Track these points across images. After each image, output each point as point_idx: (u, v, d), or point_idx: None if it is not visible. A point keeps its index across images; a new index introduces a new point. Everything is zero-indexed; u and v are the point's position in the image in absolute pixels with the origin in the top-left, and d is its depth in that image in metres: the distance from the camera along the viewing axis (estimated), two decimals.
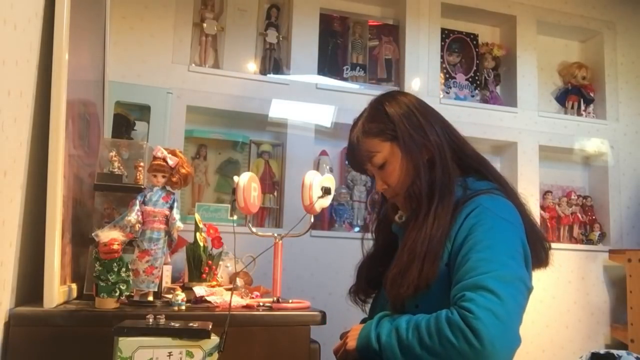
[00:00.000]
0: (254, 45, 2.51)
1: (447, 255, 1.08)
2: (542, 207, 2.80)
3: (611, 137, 2.88)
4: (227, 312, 1.05)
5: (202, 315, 1.12)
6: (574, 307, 2.69)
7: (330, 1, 2.64)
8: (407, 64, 2.61)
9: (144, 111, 2.18)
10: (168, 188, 1.22)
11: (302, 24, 2.50)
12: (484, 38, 2.90)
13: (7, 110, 0.93)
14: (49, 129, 1.07)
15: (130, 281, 1.12)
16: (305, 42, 2.49)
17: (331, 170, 2.48)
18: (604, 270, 2.76)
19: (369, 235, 1.38)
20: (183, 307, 1.14)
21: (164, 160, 1.20)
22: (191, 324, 0.91)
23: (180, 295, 1.15)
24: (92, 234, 1.13)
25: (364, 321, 1.31)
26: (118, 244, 1.09)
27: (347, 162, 2.39)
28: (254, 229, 1.36)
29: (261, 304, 1.25)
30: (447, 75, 2.78)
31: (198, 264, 1.43)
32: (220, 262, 1.57)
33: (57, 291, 1.05)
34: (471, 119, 2.63)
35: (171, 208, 1.20)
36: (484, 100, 2.79)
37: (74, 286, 1.22)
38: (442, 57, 2.74)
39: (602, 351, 1.75)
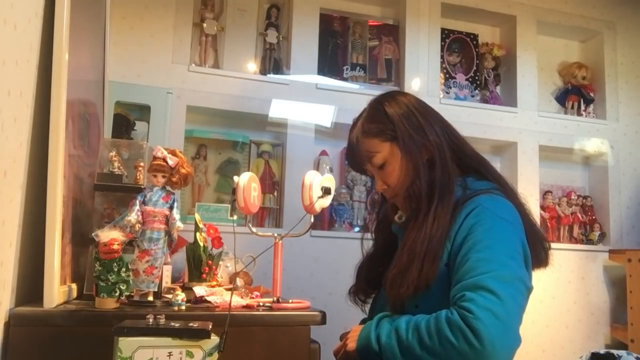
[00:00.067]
0: (254, 45, 2.51)
1: (446, 255, 1.08)
2: (542, 207, 2.80)
3: (611, 137, 2.88)
4: (227, 312, 1.05)
5: (202, 315, 1.12)
6: (574, 307, 2.69)
7: (330, 1, 2.64)
8: (407, 64, 2.61)
9: (144, 111, 2.18)
10: (168, 188, 1.22)
11: (302, 24, 2.50)
12: (484, 38, 2.90)
13: (7, 110, 0.93)
14: (49, 129, 1.07)
15: (130, 281, 1.12)
16: (305, 42, 2.49)
17: (331, 170, 2.48)
18: (604, 270, 2.76)
19: (368, 235, 1.38)
20: (183, 307, 1.14)
21: (164, 160, 1.20)
22: (191, 324, 0.91)
23: (180, 295, 1.15)
24: (92, 234, 1.13)
25: (363, 321, 1.31)
26: (118, 244, 1.09)
27: (346, 163, 2.39)
28: (254, 229, 1.36)
29: (261, 304, 1.25)
30: (447, 75, 2.78)
31: (198, 264, 1.43)
32: (220, 262, 1.57)
33: (57, 291, 1.05)
34: (471, 119, 2.63)
35: (171, 208, 1.20)
36: (484, 100, 2.79)
37: (74, 286, 1.22)
38: (442, 57, 2.74)
39: (602, 351, 1.75)
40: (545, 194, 2.82)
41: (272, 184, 2.43)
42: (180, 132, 2.25)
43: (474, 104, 2.72)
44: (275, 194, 2.43)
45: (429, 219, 1.10)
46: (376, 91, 1.32)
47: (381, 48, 2.67)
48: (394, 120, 1.17)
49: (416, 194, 1.14)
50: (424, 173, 1.14)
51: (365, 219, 2.51)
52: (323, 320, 1.22)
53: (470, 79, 2.80)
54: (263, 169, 2.42)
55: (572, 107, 2.92)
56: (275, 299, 1.27)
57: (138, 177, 1.34)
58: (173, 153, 1.23)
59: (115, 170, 1.32)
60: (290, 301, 1.27)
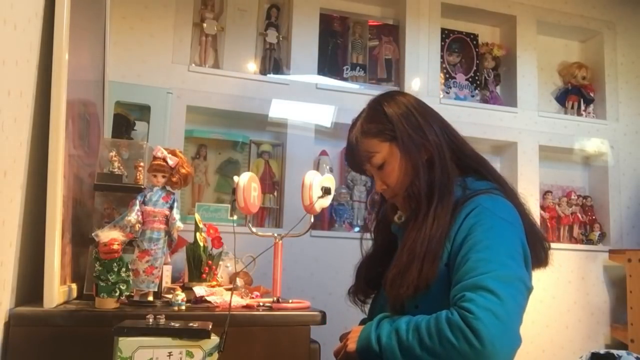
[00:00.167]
0: (254, 45, 2.51)
1: (446, 255, 1.08)
2: (542, 207, 2.80)
3: (611, 137, 2.88)
4: (227, 312, 1.05)
5: (202, 315, 1.12)
6: (574, 307, 2.69)
7: (330, 1, 2.64)
8: (407, 64, 2.61)
9: (144, 111, 2.18)
10: (168, 188, 1.22)
11: (302, 24, 2.50)
12: (484, 38, 2.90)
13: (7, 110, 0.93)
14: (49, 129, 1.07)
15: (130, 281, 1.12)
16: (305, 42, 2.49)
17: (331, 170, 2.48)
18: (604, 270, 2.76)
19: (367, 235, 1.38)
20: (183, 307, 1.14)
21: (164, 160, 1.20)
22: (191, 324, 0.91)
23: (180, 295, 1.15)
24: (92, 234, 1.13)
25: (363, 321, 1.31)
26: (118, 244, 1.09)
27: (346, 163, 2.40)
28: (254, 229, 1.36)
29: (261, 304, 1.25)
30: (447, 75, 2.78)
31: (198, 264, 1.43)
32: (220, 262, 1.57)
33: (57, 291, 1.05)
34: (471, 119, 2.63)
35: (171, 208, 1.20)
36: (484, 100, 2.79)
37: (74, 286, 1.22)
38: (442, 57, 2.74)
39: (602, 351, 1.75)
40: (545, 194, 2.82)
41: (272, 184, 2.43)
42: (180, 132, 2.25)
43: (474, 104, 2.72)
44: (275, 194, 2.43)
45: (429, 219, 1.10)
46: (376, 91, 1.32)
47: (381, 48, 2.67)
48: (393, 120, 1.17)
49: (415, 194, 1.14)
50: (423, 173, 1.14)
51: (365, 219, 2.51)
52: (323, 320, 1.22)
53: (470, 79, 2.80)
54: (263, 169, 2.42)
55: (572, 107, 2.92)
56: (275, 299, 1.27)
57: (138, 177, 1.34)
58: (173, 153, 1.23)
59: (115, 170, 1.32)
60: (290, 301, 1.27)
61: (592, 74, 2.97)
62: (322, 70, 2.53)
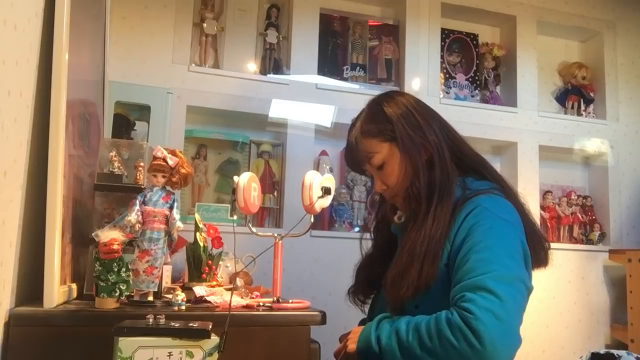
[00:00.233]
0: (254, 45, 2.51)
1: (446, 255, 1.08)
2: (542, 207, 2.80)
3: (611, 137, 2.88)
4: (227, 312, 1.05)
5: (202, 315, 1.12)
6: (574, 307, 2.69)
7: (330, 1, 2.64)
8: (407, 64, 2.61)
9: (144, 111, 2.18)
10: (168, 188, 1.22)
11: (302, 24, 2.50)
12: (484, 38, 2.90)
13: (7, 110, 0.93)
14: (49, 129, 1.07)
15: (130, 281, 1.12)
16: (305, 42, 2.49)
17: (331, 170, 2.48)
18: (604, 270, 2.76)
19: (367, 235, 1.38)
20: (183, 307, 1.14)
21: (164, 160, 1.20)
22: (191, 324, 0.91)
23: (180, 295, 1.15)
24: (92, 234, 1.13)
25: (363, 321, 1.31)
26: (118, 244, 1.09)
27: (345, 163, 2.39)
28: (254, 229, 1.36)
29: (261, 304, 1.25)
30: (447, 75, 2.78)
31: (198, 264, 1.43)
32: (220, 262, 1.57)
33: (57, 291, 1.05)
34: (471, 119, 2.63)
35: (171, 208, 1.20)
36: (484, 100, 2.79)
37: (74, 286, 1.22)
38: (442, 57, 2.74)
39: (602, 351, 1.75)
40: (545, 194, 2.82)
41: (272, 184, 2.43)
42: (180, 132, 2.25)
43: (474, 104, 2.72)
44: (275, 194, 2.43)
45: (429, 220, 1.10)
46: (376, 91, 1.32)
47: (381, 48, 2.67)
48: (392, 120, 1.17)
49: (415, 195, 1.14)
50: (423, 173, 1.14)
51: (365, 219, 2.51)
52: (323, 320, 1.22)
53: (470, 79, 2.80)
54: (263, 169, 2.42)
55: (572, 107, 2.92)
56: (275, 299, 1.27)
57: (138, 177, 1.34)
58: (173, 153, 1.23)
59: (115, 170, 1.32)
60: (290, 301, 1.27)
61: (592, 74, 2.97)
62: (322, 70, 2.53)
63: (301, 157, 2.39)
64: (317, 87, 2.46)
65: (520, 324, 0.98)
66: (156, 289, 1.20)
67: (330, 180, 1.35)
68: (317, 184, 1.32)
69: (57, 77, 1.08)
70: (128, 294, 1.13)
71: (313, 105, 2.44)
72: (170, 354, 0.87)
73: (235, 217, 1.44)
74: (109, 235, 1.09)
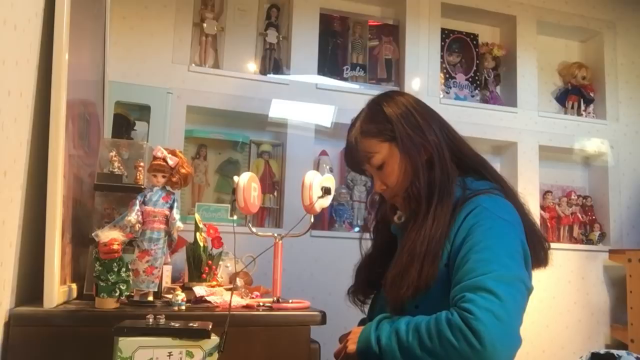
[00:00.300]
0: (254, 45, 2.51)
1: (446, 255, 1.08)
2: (542, 207, 2.80)
3: (611, 137, 2.88)
4: (227, 312, 1.05)
5: (202, 315, 1.12)
6: (574, 307, 2.69)
7: (330, 1, 2.64)
8: (407, 64, 2.61)
9: (144, 111, 2.18)
10: (168, 188, 1.22)
11: (302, 24, 2.50)
12: (484, 38, 2.90)
13: (7, 110, 0.93)
14: (49, 129, 1.07)
15: (130, 281, 1.12)
16: (305, 42, 2.49)
17: (331, 170, 2.48)
18: (604, 270, 2.76)
19: (367, 235, 1.38)
20: (183, 307, 1.14)
21: (164, 160, 1.20)
22: (191, 324, 0.91)
23: (180, 295, 1.15)
24: (92, 234, 1.13)
25: (362, 321, 1.31)
26: (118, 244, 1.09)
27: (345, 163, 2.40)
28: (254, 229, 1.36)
29: (261, 304, 1.25)
30: (447, 75, 2.78)
31: (198, 264, 1.43)
32: (220, 262, 1.57)
33: (57, 291, 1.05)
34: (471, 119, 2.63)
35: (171, 208, 1.20)
36: (484, 100, 2.79)
37: (74, 286, 1.22)
38: (442, 57, 2.74)
39: (602, 351, 1.75)
40: (545, 194, 2.82)
41: (272, 184, 2.43)
42: (180, 132, 2.25)
43: (474, 104, 2.72)
44: (275, 194, 2.43)
45: (429, 220, 1.10)
46: (376, 91, 1.32)
47: (381, 48, 2.67)
48: (392, 120, 1.17)
49: (415, 195, 1.14)
50: (423, 173, 1.14)
51: (365, 219, 2.51)
52: (323, 320, 1.22)
53: (470, 79, 2.80)
54: (263, 169, 2.42)
55: (572, 107, 2.92)
56: (275, 299, 1.27)
57: (138, 177, 1.34)
58: (173, 153, 1.23)
59: (115, 170, 1.32)
60: (290, 301, 1.27)
61: (592, 74, 2.97)
62: (322, 70, 2.53)
63: (301, 157, 2.39)
64: (317, 87, 2.46)
65: (521, 324, 0.98)
66: (156, 289, 1.20)
67: (330, 180, 1.35)
68: (317, 184, 1.32)
69: (57, 77, 1.08)
70: (128, 294, 1.13)
71: (313, 105, 2.44)
72: (170, 354, 0.87)
73: (235, 217, 1.45)
74: (109, 235, 1.09)
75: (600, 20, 2.96)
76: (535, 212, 2.36)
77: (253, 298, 1.36)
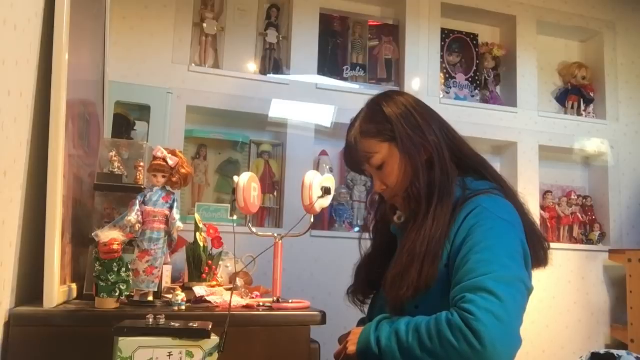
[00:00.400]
0: (254, 45, 2.51)
1: (446, 256, 1.08)
2: (542, 207, 2.80)
3: (611, 137, 2.88)
4: (227, 312, 1.05)
5: (202, 315, 1.12)
6: (574, 307, 2.69)
7: (330, 1, 2.64)
8: (407, 64, 2.61)
9: (144, 111, 2.18)
10: (168, 188, 1.22)
11: (302, 24, 2.50)
12: (484, 38, 2.90)
13: (7, 110, 0.93)
14: (49, 129, 1.07)
15: (130, 281, 1.12)
16: (305, 42, 2.49)
17: (331, 170, 2.48)
18: (604, 270, 2.76)
19: (366, 235, 1.38)
20: (183, 307, 1.14)
21: (164, 160, 1.20)
22: (191, 324, 0.91)
23: (180, 295, 1.15)
24: (92, 234, 1.13)
25: (362, 321, 1.31)
26: (118, 244, 1.09)
27: (344, 163, 2.40)
28: (254, 229, 1.36)
29: (261, 304, 1.25)
30: (447, 75, 2.78)
31: (198, 264, 1.43)
32: (220, 262, 1.57)
33: (57, 291, 1.05)
34: (471, 119, 2.63)
35: (171, 208, 1.20)
36: (484, 100, 2.79)
37: (74, 286, 1.22)
38: (442, 57, 2.74)
39: (602, 351, 1.75)
40: (545, 194, 2.82)
41: (272, 184, 2.43)
42: (180, 132, 2.25)
43: (474, 104, 2.72)
44: (275, 194, 2.43)
45: (429, 220, 1.10)
46: (376, 91, 1.32)
47: (381, 48, 2.67)
48: (392, 120, 1.17)
49: (415, 195, 1.14)
50: (423, 173, 1.14)
51: (365, 219, 2.51)
52: (323, 320, 1.22)
53: (470, 79, 2.80)
54: (263, 169, 2.42)
55: (572, 107, 2.92)
56: (275, 299, 1.27)
57: (138, 177, 1.34)
58: (173, 153, 1.23)
59: (115, 170, 1.32)
60: (290, 301, 1.27)
61: (592, 74, 2.97)
62: (322, 70, 2.53)
63: (301, 157, 2.39)
64: (317, 87, 2.46)
65: (521, 325, 0.98)
66: (156, 289, 1.20)
67: (330, 180, 1.35)
68: (317, 184, 1.32)
69: (57, 77, 1.08)
70: (128, 294, 1.13)
71: (313, 105, 2.44)
72: (170, 354, 0.87)
73: (235, 217, 1.44)
74: (109, 235, 1.09)
75: (600, 20, 2.96)
76: (535, 212, 2.36)
77: (253, 298, 1.36)
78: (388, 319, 1.09)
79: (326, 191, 1.33)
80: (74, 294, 1.22)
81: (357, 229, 2.50)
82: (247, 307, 1.25)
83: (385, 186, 1.20)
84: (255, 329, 1.16)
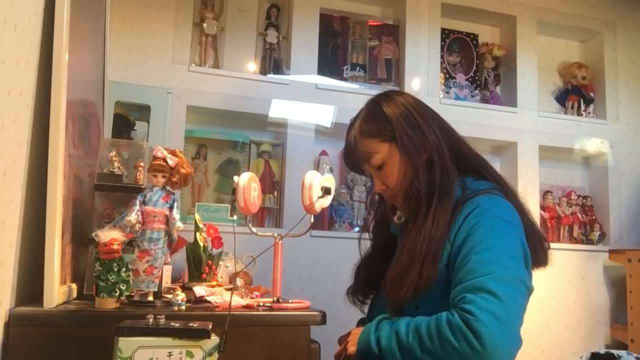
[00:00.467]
0: (254, 45, 2.51)
1: (446, 256, 1.08)
2: (542, 207, 2.80)
3: (611, 137, 2.88)
4: (227, 312, 1.05)
5: (202, 315, 1.12)
6: (574, 307, 2.69)
7: (330, 1, 2.64)
8: (407, 64, 2.61)
9: (144, 111, 2.18)
10: (168, 188, 1.22)
11: (302, 24, 2.50)
12: (484, 38, 2.90)
13: (7, 110, 0.93)
14: (49, 129, 1.07)
15: (130, 281, 1.12)
16: (305, 42, 2.49)
17: (331, 170, 2.48)
18: (604, 270, 2.76)
19: (366, 235, 1.38)
20: (183, 307, 1.14)
21: (164, 160, 1.20)
22: (191, 324, 0.91)
23: (180, 295, 1.15)
24: (92, 234, 1.13)
25: (361, 321, 1.31)
26: (118, 244, 1.09)
27: (344, 163, 2.39)
28: (254, 229, 1.36)
29: (261, 304, 1.25)
30: (447, 75, 2.78)
31: (198, 264, 1.43)
32: (220, 262, 1.57)
33: (57, 291, 1.05)
34: (471, 119, 2.63)
35: (171, 208, 1.20)
36: (484, 100, 2.79)
37: (74, 286, 1.22)
38: (442, 57, 2.74)
39: (602, 351, 1.75)
40: (545, 194, 2.82)
41: (272, 184, 2.43)
42: (180, 132, 2.25)
43: (474, 104, 2.72)
44: (275, 194, 2.43)
45: (429, 220, 1.10)
46: (376, 91, 1.32)
47: (381, 48, 2.67)
48: (392, 120, 1.17)
49: (415, 195, 1.14)
50: (423, 173, 1.14)
51: (365, 219, 2.51)
52: (323, 320, 1.22)
53: (470, 79, 2.80)
54: (263, 169, 2.42)
55: (572, 107, 2.92)
56: (275, 299, 1.27)
57: (138, 177, 1.34)
58: (173, 153, 1.23)
59: (115, 170, 1.32)
60: (290, 301, 1.27)
61: (592, 74, 2.97)
62: (322, 70, 2.53)
63: (301, 157, 2.39)
64: (317, 87, 2.46)
65: (521, 325, 0.98)
66: (156, 289, 1.20)
67: (330, 180, 1.35)
68: (317, 184, 1.32)
69: (57, 77, 1.08)
70: (128, 294, 1.13)
71: (313, 105, 2.44)
72: (170, 354, 0.87)
73: (235, 217, 1.45)
74: (109, 235, 1.09)
75: (600, 20, 2.96)
76: (535, 212, 2.37)
77: (253, 298, 1.36)
78: (388, 319, 1.09)
79: (326, 191, 1.33)
80: (74, 294, 1.22)
81: (357, 229, 2.50)
82: (247, 307, 1.25)
83: (385, 186, 1.20)
84: (255, 329, 1.16)
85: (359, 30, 2.68)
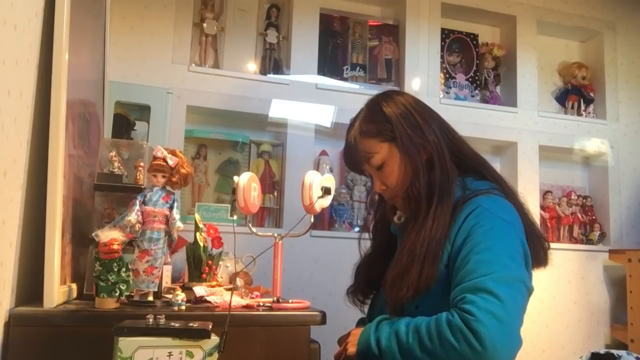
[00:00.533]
0: (254, 45, 2.51)
1: (446, 256, 1.08)
2: (542, 207, 2.80)
3: (611, 137, 2.88)
4: (227, 312, 1.05)
5: (202, 315, 1.12)
6: (574, 307, 2.69)
7: (330, 1, 2.64)
8: (407, 64, 2.61)
9: (144, 111, 2.18)
10: (168, 188, 1.22)
11: (302, 24, 2.50)
12: (484, 38, 2.90)
13: (7, 110, 0.93)
14: (49, 129, 1.07)
15: (130, 281, 1.12)
16: (305, 42, 2.49)
17: (331, 170, 2.48)
18: (604, 270, 2.76)
19: (366, 235, 1.38)
20: (183, 307, 1.14)
21: (164, 160, 1.20)
22: (191, 324, 0.91)
23: (180, 295, 1.15)
24: (92, 234, 1.13)
25: (361, 321, 1.31)
26: (118, 244, 1.09)
27: (344, 163, 2.39)
28: (254, 229, 1.36)
29: (261, 304, 1.25)
30: (447, 75, 2.78)
31: (198, 264, 1.43)
32: (220, 262, 1.57)
33: (57, 291, 1.05)
34: (471, 119, 2.63)
35: (171, 208, 1.20)
36: (484, 100, 2.79)
37: (74, 286, 1.22)
38: (442, 57, 2.74)
39: (602, 351, 1.75)
40: (545, 194, 2.82)
41: (272, 184, 2.43)
42: (180, 132, 2.25)
43: (474, 104, 2.72)
44: (275, 194, 2.43)
45: (429, 220, 1.10)
46: (376, 91, 1.32)
47: (381, 48, 2.67)
48: (392, 120, 1.17)
49: (415, 195, 1.14)
50: (423, 174, 1.14)
51: (365, 219, 2.51)
52: (323, 320, 1.22)
53: (470, 79, 2.80)
54: (263, 169, 2.42)
55: (572, 107, 2.92)
56: (275, 299, 1.27)
57: (138, 177, 1.34)
58: (173, 153, 1.23)
59: (115, 170, 1.32)
60: (290, 301, 1.27)
61: (592, 74, 2.97)
62: (322, 70, 2.53)
63: (301, 157, 2.39)
64: (317, 87, 2.46)
65: (521, 325, 0.98)
66: (156, 289, 1.20)
67: (330, 180, 1.35)
68: (317, 184, 1.32)
69: (57, 77, 1.08)
70: (128, 294, 1.13)
71: (313, 105, 2.44)
72: (170, 354, 0.87)
73: (235, 217, 1.45)
74: (109, 235, 1.09)
75: (600, 20, 2.96)
76: (535, 212, 2.36)
77: (253, 298, 1.36)
78: (388, 319, 1.09)
79: (326, 191, 1.33)
80: (74, 294, 1.22)
81: (357, 229, 2.50)
82: (247, 307, 1.25)
83: (385, 186, 1.20)
84: (255, 329, 1.16)
85: (359, 30, 2.68)
